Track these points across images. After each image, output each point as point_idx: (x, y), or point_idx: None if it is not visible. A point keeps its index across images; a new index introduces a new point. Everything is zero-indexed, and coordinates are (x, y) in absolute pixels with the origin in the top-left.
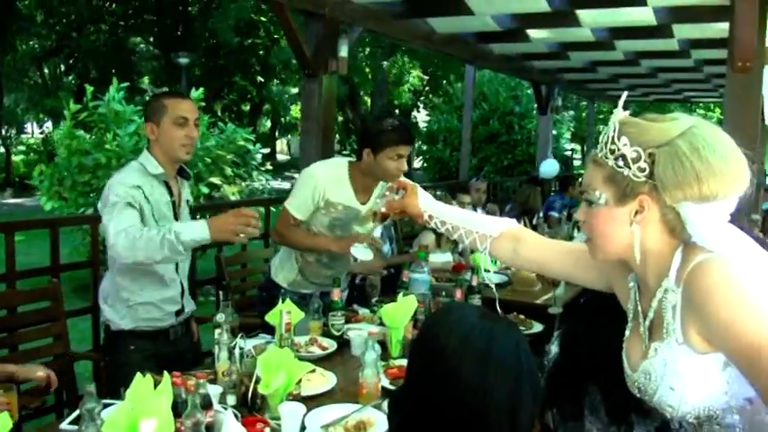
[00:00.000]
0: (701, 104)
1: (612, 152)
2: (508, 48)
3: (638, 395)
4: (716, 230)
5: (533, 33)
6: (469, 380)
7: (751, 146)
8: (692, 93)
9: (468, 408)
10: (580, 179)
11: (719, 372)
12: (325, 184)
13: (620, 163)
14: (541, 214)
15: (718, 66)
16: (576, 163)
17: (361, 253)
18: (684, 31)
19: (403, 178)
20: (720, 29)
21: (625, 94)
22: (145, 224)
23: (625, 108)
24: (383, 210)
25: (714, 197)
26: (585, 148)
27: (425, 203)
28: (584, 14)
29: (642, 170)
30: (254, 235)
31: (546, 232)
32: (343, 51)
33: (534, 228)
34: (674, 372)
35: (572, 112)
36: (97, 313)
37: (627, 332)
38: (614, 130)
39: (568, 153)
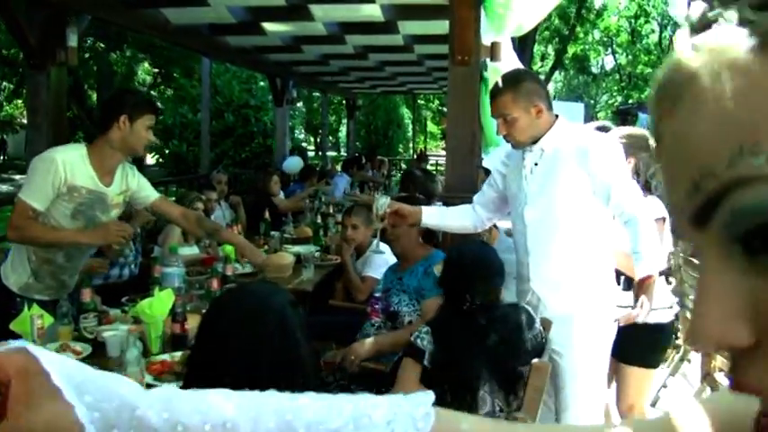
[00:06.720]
0: (421, 96)
1: None
2: (244, 40)
3: None
4: None
5: (269, 27)
6: (214, 327)
7: (471, 130)
8: (415, 85)
9: (213, 349)
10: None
11: None
12: (66, 167)
13: None
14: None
15: (438, 60)
16: (311, 153)
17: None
18: (409, 27)
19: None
20: (441, 26)
21: None
22: None
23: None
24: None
25: None
26: (319, 139)
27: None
28: (317, 9)
29: None
30: None
31: (290, 221)
32: (72, 41)
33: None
34: None
35: (300, 104)
36: None
37: None
38: None
39: (304, 144)
